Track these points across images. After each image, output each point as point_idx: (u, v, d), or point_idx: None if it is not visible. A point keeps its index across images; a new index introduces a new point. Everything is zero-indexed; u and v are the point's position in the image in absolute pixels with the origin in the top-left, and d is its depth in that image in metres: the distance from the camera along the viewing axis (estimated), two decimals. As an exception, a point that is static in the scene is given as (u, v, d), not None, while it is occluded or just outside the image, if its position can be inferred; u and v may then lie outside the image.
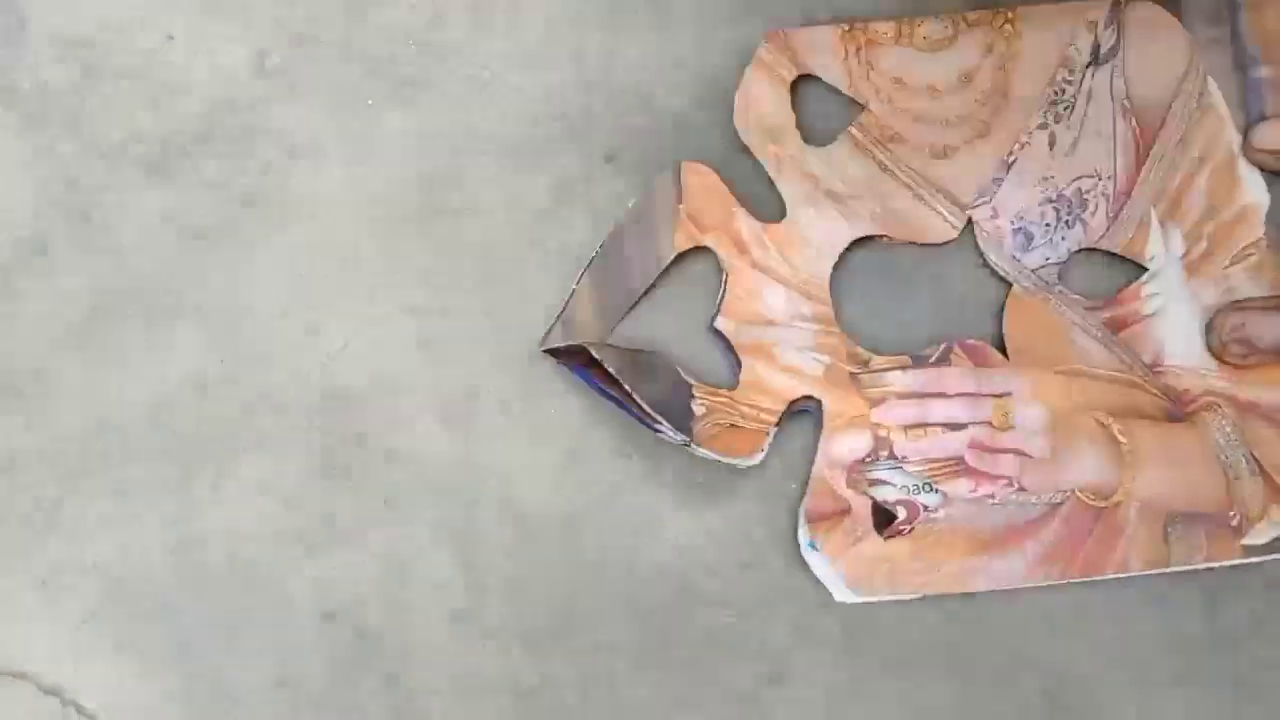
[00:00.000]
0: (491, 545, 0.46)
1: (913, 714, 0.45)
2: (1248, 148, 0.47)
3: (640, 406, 0.43)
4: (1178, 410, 0.46)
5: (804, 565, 0.45)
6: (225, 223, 0.47)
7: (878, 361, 0.46)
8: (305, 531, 0.45)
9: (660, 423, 0.44)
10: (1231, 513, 0.45)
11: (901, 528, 0.45)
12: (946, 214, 0.47)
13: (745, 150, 0.48)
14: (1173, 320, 0.47)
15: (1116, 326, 0.47)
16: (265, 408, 0.46)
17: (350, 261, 0.47)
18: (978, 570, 0.45)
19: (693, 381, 0.46)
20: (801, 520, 0.45)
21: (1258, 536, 0.45)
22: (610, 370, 0.43)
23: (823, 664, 0.45)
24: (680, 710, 0.45)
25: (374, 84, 0.49)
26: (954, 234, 0.47)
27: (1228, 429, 0.46)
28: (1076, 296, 0.47)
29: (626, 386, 0.43)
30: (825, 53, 0.48)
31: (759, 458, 0.45)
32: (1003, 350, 0.47)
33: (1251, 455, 0.46)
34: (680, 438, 0.44)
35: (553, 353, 0.46)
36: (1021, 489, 0.45)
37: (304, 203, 0.48)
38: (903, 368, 0.46)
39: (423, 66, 0.49)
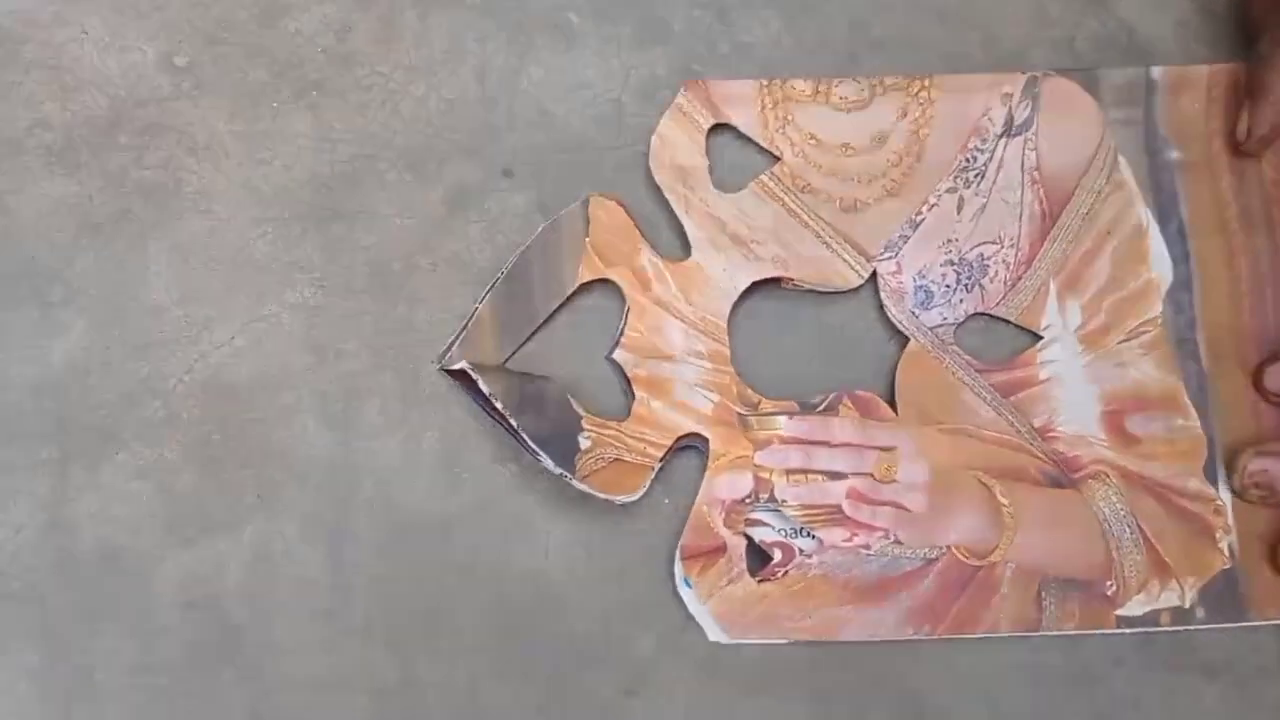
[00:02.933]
0: (361, 544, 0.46)
1: (769, 732, 0.45)
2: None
3: (521, 437, 0.44)
4: (1064, 476, 0.46)
5: (671, 580, 0.45)
6: (121, 214, 0.48)
7: (766, 405, 0.47)
8: (176, 521, 0.46)
9: (540, 454, 0.44)
10: (1109, 582, 0.46)
11: (776, 569, 0.45)
12: (853, 262, 0.48)
13: (639, 170, 0.49)
14: (1067, 388, 0.47)
15: (1010, 390, 0.47)
16: (146, 397, 0.47)
17: (242, 258, 0.48)
18: (849, 620, 0.45)
19: (583, 413, 0.46)
20: (678, 556, 0.46)
21: (1134, 609, 0.46)
22: (494, 400, 0.44)
23: (684, 679, 0.45)
24: (539, 717, 0.45)
25: (280, 87, 0.50)
26: (859, 281, 0.48)
27: (1114, 499, 0.46)
28: (969, 358, 0.48)
29: (509, 417, 0.44)
30: (743, 104, 0.49)
31: (638, 495, 0.45)
32: (893, 404, 0.47)
33: (1138, 527, 0.46)
34: (559, 470, 0.44)
35: (449, 371, 0.46)
36: (897, 542, 0.46)
37: (201, 199, 0.48)
38: (790, 414, 0.47)
39: (329, 73, 0.50)
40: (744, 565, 0.45)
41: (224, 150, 0.49)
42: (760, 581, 0.45)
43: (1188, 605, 0.45)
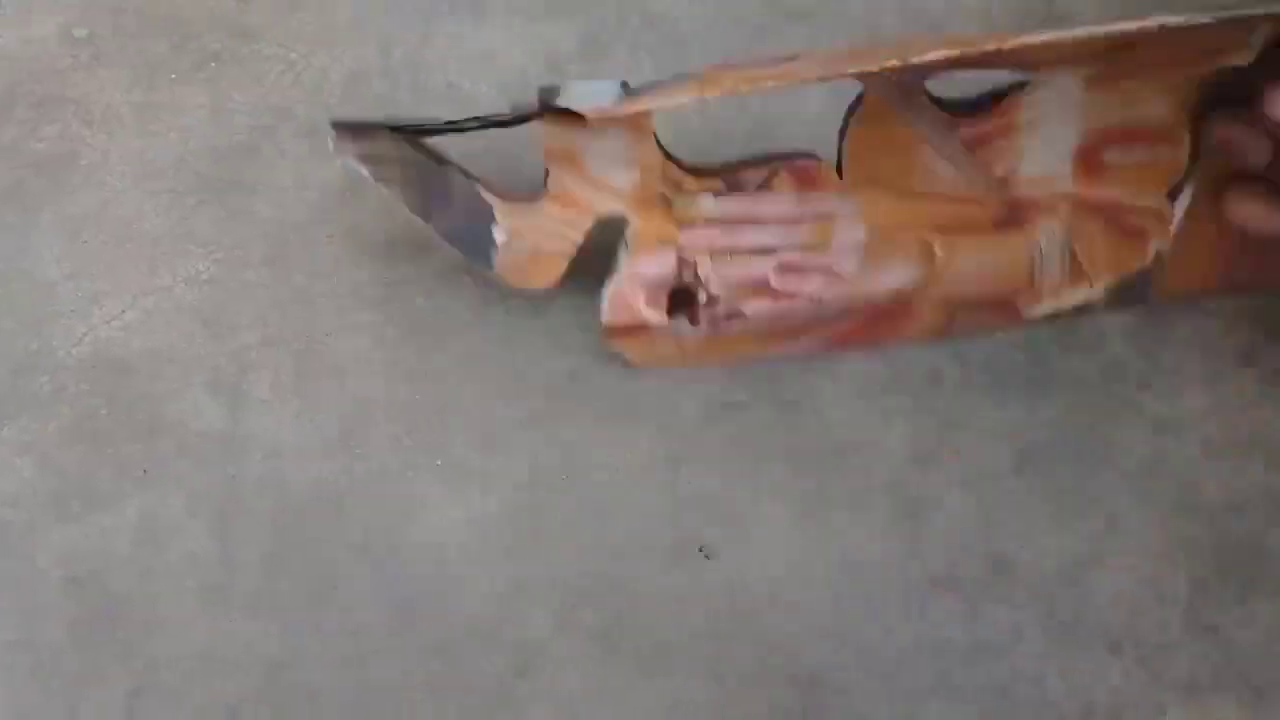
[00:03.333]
0: (251, 520, 0.45)
1: (665, 713, 0.44)
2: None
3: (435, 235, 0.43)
4: (1014, 216, 0.45)
5: (567, 561, 0.45)
6: (12, 187, 0.47)
7: (691, 184, 0.44)
8: (60, 495, 0.45)
9: (466, 256, 0.43)
10: (1023, 296, 0.46)
11: (698, 310, 0.45)
12: None
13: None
14: (1044, 129, 0.43)
15: (980, 142, 0.43)
16: (34, 371, 0.46)
17: (136, 231, 0.47)
18: (761, 354, 0.46)
19: (493, 200, 0.43)
20: (602, 336, 0.45)
21: (1039, 311, 0.46)
22: (401, 199, 0.42)
23: (577, 658, 0.45)
24: (428, 696, 0.44)
25: (179, 58, 0.49)
26: None
27: (1056, 230, 0.45)
28: (938, 111, 0.43)
29: (419, 216, 0.42)
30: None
31: (555, 281, 0.44)
32: (840, 171, 0.44)
33: (1070, 253, 0.45)
34: (477, 267, 0.43)
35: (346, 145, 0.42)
36: (821, 301, 0.45)
37: (95, 171, 0.48)
38: (715, 193, 0.44)
39: (229, 45, 0.49)
40: (671, 337, 0.45)
41: (120, 121, 0.48)
42: (691, 320, 0.45)
43: (1093, 300, 0.45)
